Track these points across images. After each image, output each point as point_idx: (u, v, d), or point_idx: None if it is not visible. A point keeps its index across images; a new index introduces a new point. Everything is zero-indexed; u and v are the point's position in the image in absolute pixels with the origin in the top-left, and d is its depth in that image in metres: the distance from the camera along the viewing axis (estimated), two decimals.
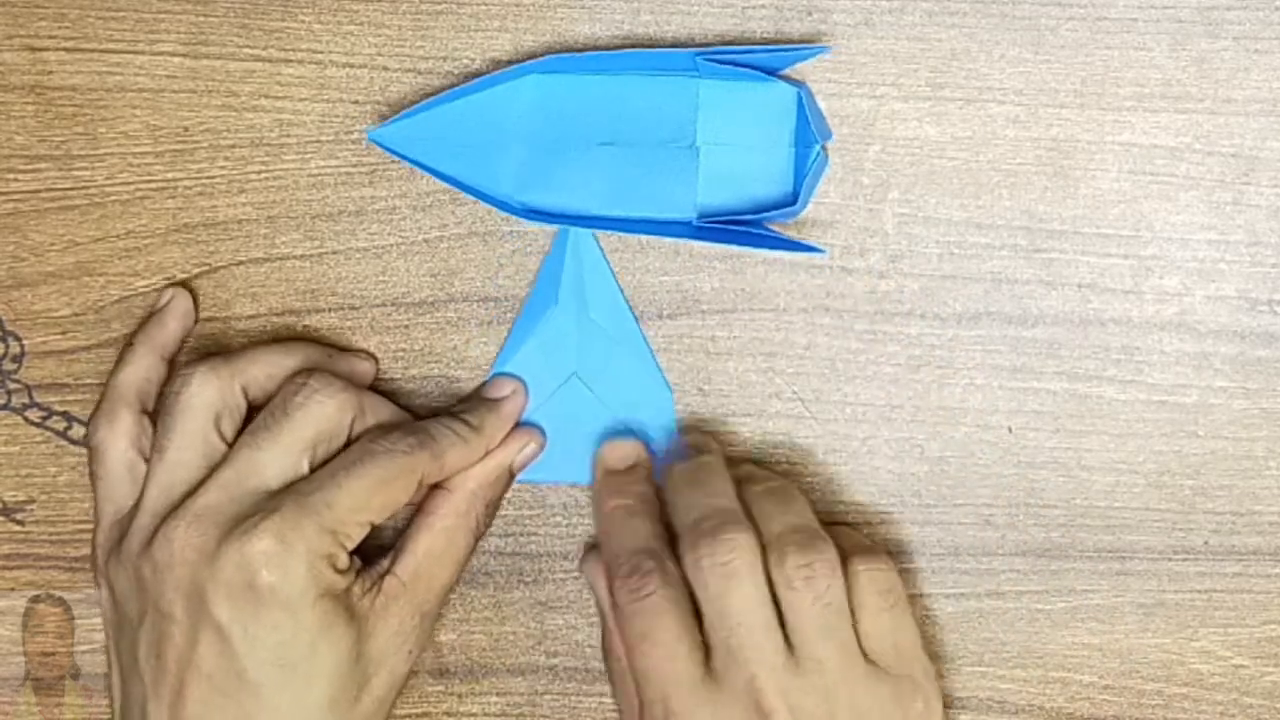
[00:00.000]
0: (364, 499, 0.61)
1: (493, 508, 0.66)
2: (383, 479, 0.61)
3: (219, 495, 0.61)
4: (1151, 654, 0.67)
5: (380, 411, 0.64)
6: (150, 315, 0.66)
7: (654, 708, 0.60)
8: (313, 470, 0.62)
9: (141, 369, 0.65)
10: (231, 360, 0.63)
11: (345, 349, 0.66)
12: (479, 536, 0.65)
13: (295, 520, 0.60)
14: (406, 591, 0.63)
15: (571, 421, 0.66)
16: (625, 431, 0.66)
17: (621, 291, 0.66)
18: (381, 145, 0.65)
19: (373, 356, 0.67)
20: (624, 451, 0.66)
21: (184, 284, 0.67)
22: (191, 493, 0.61)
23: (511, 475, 0.66)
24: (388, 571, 0.63)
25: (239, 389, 0.63)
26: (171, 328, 0.66)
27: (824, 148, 0.65)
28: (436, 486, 0.65)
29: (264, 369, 0.63)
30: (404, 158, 0.65)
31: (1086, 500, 0.66)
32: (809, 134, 0.63)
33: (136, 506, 0.62)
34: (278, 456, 0.61)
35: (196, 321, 0.66)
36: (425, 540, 0.64)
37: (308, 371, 0.63)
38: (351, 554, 0.62)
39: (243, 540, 0.60)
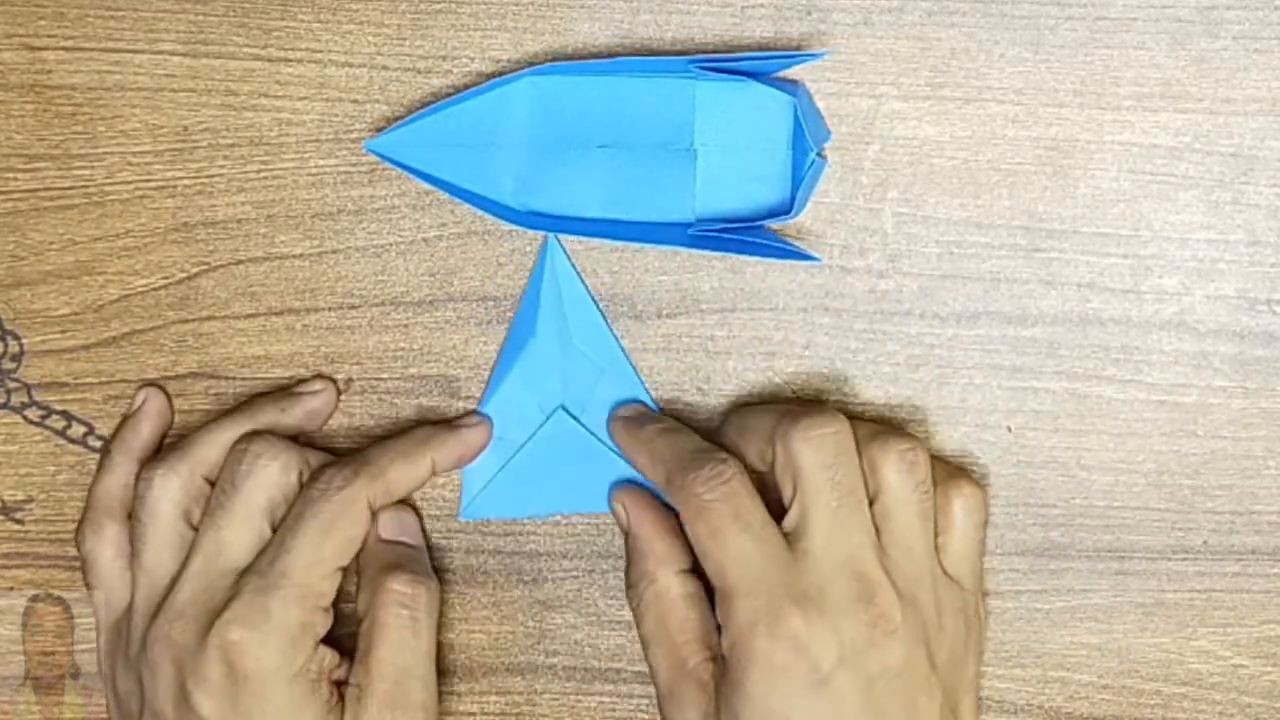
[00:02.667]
0: (316, 553, 0.61)
1: (414, 574, 0.64)
2: (327, 524, 0.62)
3: (193, 586, 0.62)
4: (1150, 653, 0.67)
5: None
6: (124, 420, 0.67)
7: (754, 591, 0.59)
8: (274, 531, 0.62)
9: (120, 476, 0.65)
10: (186, 453, 0.64)
11: (298, 386, 0.67)
12: (416, 610, 0.64)
13: (259, 601, 0.61)
14: (365, 693, 0.62)
15: (561, 455, 0.66)
16: (614, 462, 0.66)
17: (605, 318, 0.66)
18: (379, 155, 0.65)
19: (330, 383, 0.67)
20: (633, 408, 0.66)
21: (159, 385, 0.67)
22: (172, 587, 0.62)
23: (398, 543, 0.66)
24: (344, 681, 0.63)
25: (200, 478, 0.64)
26: (146, 430, 0.66)
27: (820, 153, 0.65)
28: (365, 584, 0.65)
29: (218, 451, 0.64)
30: (403, 166, 0.65)
31: (1086, 500, 0.66)
32: (804, 142, 0.63)
33: (130, 610, 0.63)
34: (238, 532, 0.62)
35: (172, 421, 0.67)
36: (363, 639, 0.63)
37: (248, 437, 0.63)
38: (344, 660, 0.63)
39: (215, 634, 0.60)
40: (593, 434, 0.66)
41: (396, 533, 0.66)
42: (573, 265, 0.66)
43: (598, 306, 0.66)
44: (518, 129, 0.65)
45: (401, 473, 0.64)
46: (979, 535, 0.63)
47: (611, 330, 0.66)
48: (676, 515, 0.63)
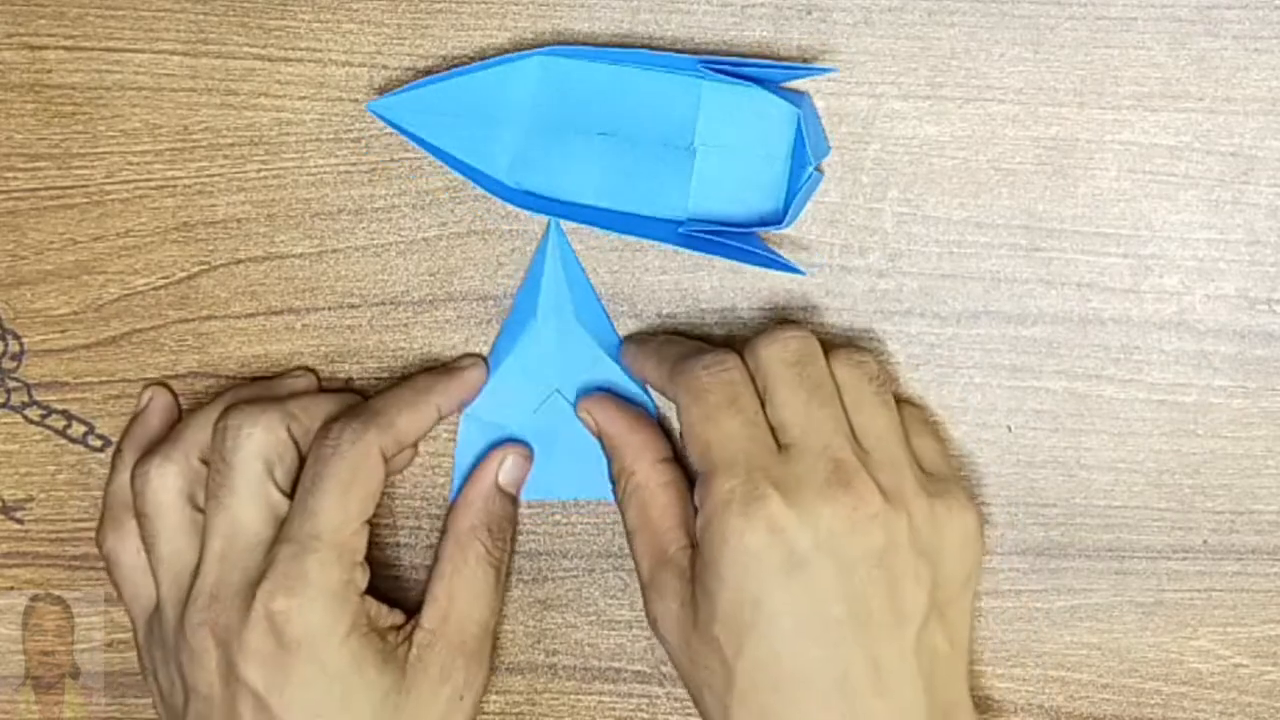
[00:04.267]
0: (340, 510, 0.61)
1: (501, 532, 0.66)
2: (347, 482, 0.62)
3: (219, 568, 0.62)
4: (1150, 653, 0.67)
5: (317, 407, 0.64)
6: (134, 418, 0.67)
7: (733, 469, 0.60)
8: (283, 492, 0.62)
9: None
10: (178, 439, 0.64)
11: (281, 375, 0.67)
12: (499, 565, 0.65)
13: (297, 568, 0.61)
14: (438, 638, 0.63)
15: (557, 438, 0.66)
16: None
17: (601, 304, 0.66)
18: (380, 116, 0.65)
19: (311, 372, 0.67)
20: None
21: (161, 383, 0.67)
22: (196, 573, 0.62)
23: (506, 495, 0.66)
24: (416, 624, 0.63)
25: (196, 461, 0.64)
26: (155, 427, 0.66)
27: (819, 168, 0.65)
28: (443, 531, 0.65)
29: (208, 432, 0.64)
30: (401, 130, 0.64)
31: (1086, 499, 0.66)
32: (804, 154, 0.63)
33: (159, 605, 0.63)
34: (247, 506, 0.62)
35: (179, 417, 0.67)
36: (441, 585, 0.64)
37: (224, 413, 0.63)
38: (391, 608, 0.63)
39: (259, 606, 0.60)
40: None
41: (510, 483, 0.66)
42: (573, 251, 0.66)
43: (594, 291, 0.66)
44: (521, 106, 0.65)
45: (409, 421, 0.64)
46: (933, 430, 0.64)
47: (607, 314, 0.66)
48: (646, 410, 0.65)
